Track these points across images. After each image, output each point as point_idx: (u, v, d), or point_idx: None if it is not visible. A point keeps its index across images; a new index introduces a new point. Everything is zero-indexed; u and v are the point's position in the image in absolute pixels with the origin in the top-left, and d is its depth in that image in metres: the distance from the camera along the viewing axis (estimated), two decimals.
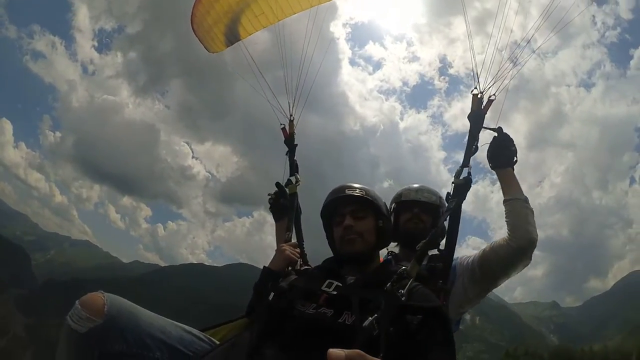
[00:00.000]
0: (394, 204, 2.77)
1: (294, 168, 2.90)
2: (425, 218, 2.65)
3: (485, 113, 2.45)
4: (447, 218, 2.32)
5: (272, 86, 3.09)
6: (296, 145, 2.97)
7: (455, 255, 2.45)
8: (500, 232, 2.33)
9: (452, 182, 2.41)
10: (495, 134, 2.50)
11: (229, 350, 1.82)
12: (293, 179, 2.85)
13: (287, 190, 2.83)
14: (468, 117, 2.47)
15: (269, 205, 2.90)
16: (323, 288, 1.92)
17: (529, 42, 2.56)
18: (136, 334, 1.75)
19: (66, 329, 1.70)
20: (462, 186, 2.36)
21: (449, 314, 2.33)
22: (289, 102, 3.05)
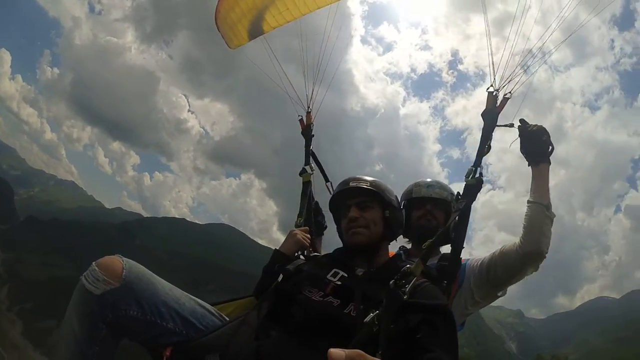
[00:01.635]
0: (404, 201, 2.73)
1: (309, 157, 2.93)
2: (438, 214, 2.62)
3: (500, 111, 2.36)
4: (457, 218, 2.25)
5: (287, 67, 3.12)
6: (313, 135, 2.98)
7: (468, 256, 2.49)
8: None
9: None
10: (519, 124, 2.36)
11: (239, 327, 1.85)
12: (308, 168, 2.89)
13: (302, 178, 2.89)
14: (482, 115, 2.37)
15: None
16: (328, 277, 1.95)
17: (543, 44, 2.44)
18: (152, 302, 1.73)
19: (80, 289, 1.65)
20: (473, 187, 2.28)
21: (454, 314, 2.43)
22: (306, 94, 3.03)
